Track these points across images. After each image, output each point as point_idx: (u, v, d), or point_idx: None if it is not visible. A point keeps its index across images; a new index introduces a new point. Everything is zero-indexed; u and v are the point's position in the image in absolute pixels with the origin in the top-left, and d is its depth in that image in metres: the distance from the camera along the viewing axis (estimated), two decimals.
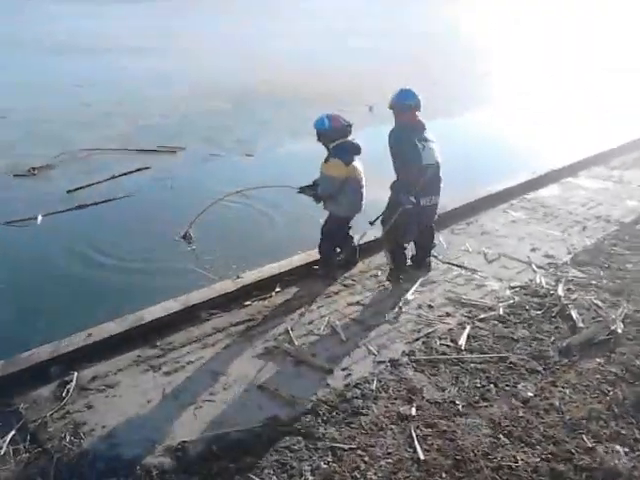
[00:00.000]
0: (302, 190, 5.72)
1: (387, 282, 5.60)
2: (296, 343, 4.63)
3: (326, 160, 5.44)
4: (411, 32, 30.32)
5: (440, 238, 6.54)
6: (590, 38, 28.50)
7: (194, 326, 4.87)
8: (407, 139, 5.22)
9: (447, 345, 4.60)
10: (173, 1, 46.77)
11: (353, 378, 4.21)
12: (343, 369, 4.33)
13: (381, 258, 6.01)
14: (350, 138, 5.44)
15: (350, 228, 5.80)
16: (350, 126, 5.42)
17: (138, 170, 9.28)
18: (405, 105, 5.34)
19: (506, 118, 13.42)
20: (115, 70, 18.62)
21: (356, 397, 4.00)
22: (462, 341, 4.62)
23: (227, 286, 5.34)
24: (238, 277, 5.48)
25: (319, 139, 5.51)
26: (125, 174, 9.03)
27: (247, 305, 5.18)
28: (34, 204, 7.76)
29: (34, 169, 9.16)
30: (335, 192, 5.40)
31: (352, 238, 5.86)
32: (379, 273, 5.79)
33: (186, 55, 21.92)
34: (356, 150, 5.43)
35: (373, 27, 31.83)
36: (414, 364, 4.37)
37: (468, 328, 4.80)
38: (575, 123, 12.91)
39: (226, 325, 4.89)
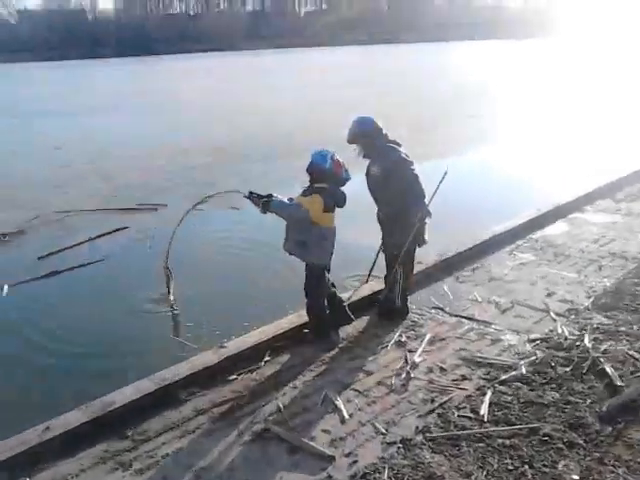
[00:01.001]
0: (250, 195, 4.85)
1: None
2: (290, 424, 3.95)
3: (305, 194, 4.79)
4: (394, 82, 30.46)
5: (444, 287, 5.96)
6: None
7: (172, 409, 4.19)
8: (402, 155, 5.04)
9: (467, 417, 3.94)
10: (147, 63, 47.37)
11: (360, 466, 3.53)
12: (347, 454, 3.64)
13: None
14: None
15: (333, 285, 5.21)
16: (347, 181, 4.83)
17: (116, 230, 8.67)
18: (378, 128, 5.12)
19: (502, 156, 12.94)
20: (90, 130, 18.19)
21: None
22: (484, 411, 3.96)
23: (209, 358, 4.66)
24: (221, 346, 4.82)
25: (309, 172, 4.81)
26: (101, 236, 8.42)
27: (232, 380, 4.51)
28: (2, 274, 7.12)
29: (4, 235, 8.54)
30: (293, 222, 4.81)
31: (336, 295, 5.24)
32: (379, 332, 5.15)
33: (162, 113, 21.67)
34: (342, 203, 4.85)
35: (367, 76, 32.04)
36: (430, 443, 3.69)
37: (489, 394, 4.15)
38: (575, 157, 12.45)
39: (208, 406, 4.21)
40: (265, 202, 4.72)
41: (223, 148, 14.69)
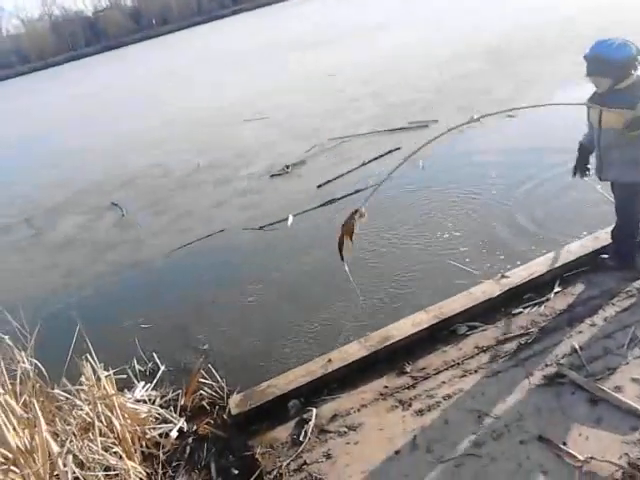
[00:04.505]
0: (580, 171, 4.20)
1: None
2: (588, 370, 3.37)
3: (617, 103, 3.64)
4: None
5: None
6: None
7: (451, 345, 3.91)
8: None
9: None
10: None
11: None
12: None
13: None
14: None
15: None
16: None
17: (388, 153, 8.60)
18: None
19: None
20: (363, 52, 18.40)
21: None
22: None
23: (490, 289, 4.24)
24: (503, 276, 4.35)
25: (603, 72, 3.65)
26: (374, 159, 8.41)
27: (517, 314, 4.03)
28: (287, 204, 7.60)
29: (287, 167, 9.09)
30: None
31: None
32: None
33: (420, 28, 20.94)
34: None
35: None
36: None
37: None
38: None
39: (491, 343, 3.82)
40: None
41: (496, 48, 13.55)
